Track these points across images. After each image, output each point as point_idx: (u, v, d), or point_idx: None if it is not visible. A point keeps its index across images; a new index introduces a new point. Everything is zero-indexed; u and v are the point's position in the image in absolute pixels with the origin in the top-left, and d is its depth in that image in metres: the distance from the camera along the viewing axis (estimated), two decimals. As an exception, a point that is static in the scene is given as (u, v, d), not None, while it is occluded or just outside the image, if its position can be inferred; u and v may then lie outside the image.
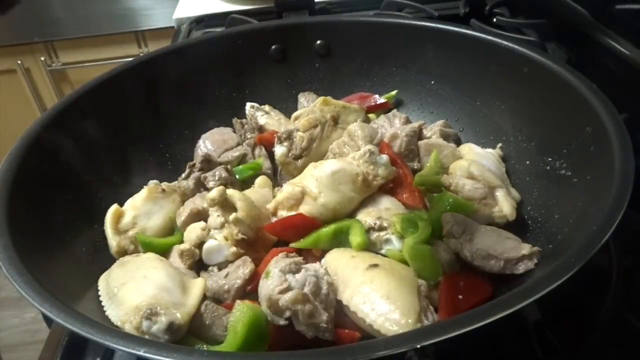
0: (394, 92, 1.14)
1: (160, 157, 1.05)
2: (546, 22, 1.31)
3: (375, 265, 0.72)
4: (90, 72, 2.34)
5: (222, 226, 0.81)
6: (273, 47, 1.17)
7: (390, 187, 0.88)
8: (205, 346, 0.68)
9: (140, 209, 0.88)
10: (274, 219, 0.84)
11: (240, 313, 0.66)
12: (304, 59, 1.18)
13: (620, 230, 0.58)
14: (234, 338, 0.65)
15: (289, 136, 0.96)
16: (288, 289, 0.66)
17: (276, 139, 0.97)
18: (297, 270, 0.70)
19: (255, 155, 1.04)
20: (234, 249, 0.79)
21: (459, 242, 0.77)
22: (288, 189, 0.84)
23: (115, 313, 0.69)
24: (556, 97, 0.85)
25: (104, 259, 0.83)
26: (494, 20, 1.41)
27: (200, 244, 0.82)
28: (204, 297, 0.74)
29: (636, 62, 1.05)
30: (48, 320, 0.78)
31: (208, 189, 0.91)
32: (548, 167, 0.85)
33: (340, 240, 0.79)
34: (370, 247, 0.79)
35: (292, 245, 0.80)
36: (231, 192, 0.82)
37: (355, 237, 0.77)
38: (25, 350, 2.39)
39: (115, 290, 0.72)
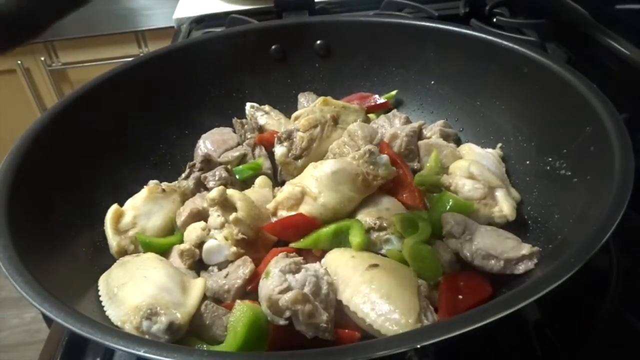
0: (394, 92, 1.14)
1: (160, 157, 1.05)
2: (546, 22, 1.31)
3: (375, 265, 0.72)
4: (90, 72, 2.34)
5: (222, 226, 0.82)
6: (273, 47, 1.17)
7: (390, 187, 0.88)
8: (205, 346, 0.68)
9: (140, 209, 0.88)
10: (274, 219, 0.84)
11: (240, 313, 0.66)
12: (304, 59, 1.18)
13: (620, 230, 0.58)
14: (234, 338, 0.65)
15: (289, 136, 0.96)
16: (288, 289, 0.66)
17: (276, 139, 0.97)
18: (297, 270, 0.70)
19: (255, 155, 1.04)
20: (234, 249, 0.79)
21: (459, 242, 0.77)
22: (288, 189, 0.84)
23: (115, 313, 0.68)
24: (556, 97, 0.85)
25: (104, 259, 0.83)
26: (494, 20, 1.41)
27: (200, 244, 0.82)
28: (204, 297, 0.74)
29: (636, 62, 1.05)
30: (48, 320, 0.78)
31: (208, 189, 0.91)
32: (548, 167, 0.85)
33: (340, 240, 0.79)
34: (370, 247, 0.79)
35: (292, 245, 0.80)
36: (231, 192, 0.82)
37: (355, 237, 0.77)
38: (25, 350, 2.39)
39: (115, 290, 0.72)
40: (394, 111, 1.08)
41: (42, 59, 2.53)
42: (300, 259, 0.74)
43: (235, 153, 1.03)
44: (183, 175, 0.97)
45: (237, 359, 0.59)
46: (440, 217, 0.80)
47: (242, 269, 0.76)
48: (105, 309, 0.70)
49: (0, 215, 0.69)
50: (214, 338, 0.70)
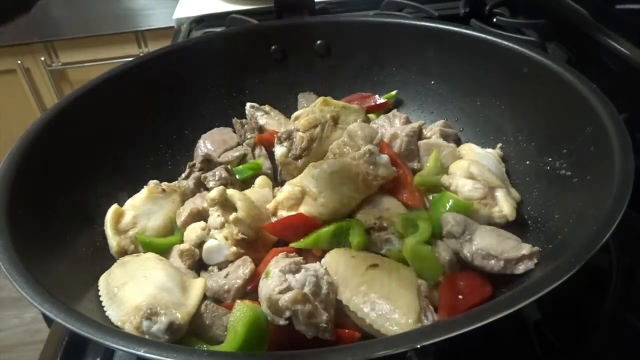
0: (393, 92, 1.14)
1: (160, 157, 1.05)
2: (546, 22, 1.31)
3: (375, 265, 0.72)
4: (90, 72, 2.34)
5: (222, 226, 0.82)
6: (273, 47, 1.17)
7: (390, 187, 0.88)
8: (205, 346, 0.68)
9: (140, 209, 0.88)
10: (274, 219, 0.84)
11: (240, 313, 0.66)
12: (304, 59, 1.18)
13: (620, 230, 0.58)
14: (234, 338, 0.65)
15: (289, 136, 0.96)
16: (288, 289, 0.66)
17: (276, 139, 0.97)
18: (297, 270, 0.70)
19: (255, 155, 1.04)
20: (234, 248, 0.79)
21: (459, 242, 0.77)
22: (288, 189, 0.84)
23: (116, 313, 0.69)
24: (556, 97, 0.85)
25: (104, 259, 0.83)
26: (494, 20, 1.41)
27: (200, 244, 0.82)
28: (204, 297, 0.74)
29: (636, 62, 1.05)
30: (48, 320, 0.78)
31: (208, 189, 0.91)
32: (548, 167, 0.85)
33: (340, 240, 0.79)
34: (370, 247, 0.79)
35: (292, 245, 0.80)
36: (231, 192, 0.82)
37: (355, 237, 0.77)
38: (25, 350, 2.39)
39: (115, 290, 0.72)
40: (394, 111, 1.08)
41: (42, 59, 2.53)
42: (300, 259, 0.74)
43: (235, 153, 1.03)
44: (183, 175, 0.97)
45: (237, 359, 0.59)
46: (440, 217, 0.80)
47: (242, 269, 0.76)
48: (105, 309, 0.70)
49: (0, 216, 0.69)
50: (214, 338, 0.70)
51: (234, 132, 1.11)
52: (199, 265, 0.83)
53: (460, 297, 0.70)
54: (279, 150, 0.96)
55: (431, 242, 0.77)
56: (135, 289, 0.71)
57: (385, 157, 0.86)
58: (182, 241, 0.84)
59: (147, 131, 1.04)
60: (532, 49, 0.92)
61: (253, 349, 0.65)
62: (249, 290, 0.75)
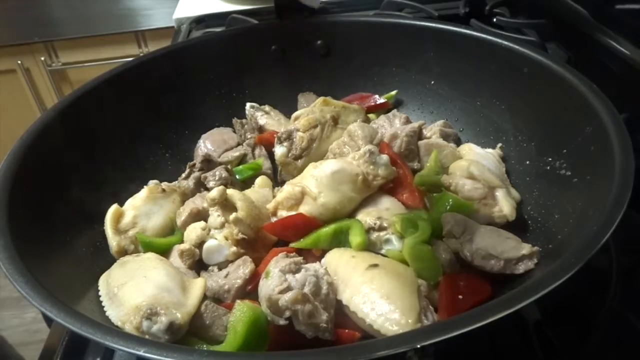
0: (394, 92, 1.14)
1: (160, 157, 1.05)
2: (546, 22, 1.31)
3: (375, 265, 0.72)
4: (90, 72, 2.34)
5: (222, 226, 0.82)
6: (273, 47, 1.17)
7: (390, 187, 0.88)
8: (205, 346, 0.68)
9: (140, 209, 0.88)
10: (274, 219, 0.84)
11: (240, 313, 0.66)
12: (304, 59, 1.18)
13: (620, 230, 0.58)
14: (234, 338, 0.65)
15: (289, 136, 0.96)
16: (288, 289, 0.66)
17: (276, 139, 0.97)
18: (297, 270, 0.70)
19: (255, 155, 1.04)
20: (234, 248, 0.79)
21: (459, 242, 0.77)
22: (288, 189, 0.84)
23: (116, 313, 0.69)
24: (556, 97, 0.85)
25: (104, 259, 0.83)
26: (494, 20, 1.41)
27: (200, 244, 0.82)
28: (204, 297, 0.74)
29: (636, 62, 1.05)
30: (48, 320, 0.78)
31: (208, 189, 0.91)
32: (548, 167, 0.85)
33: (340, 240, 0.79)
34: (370, 247, 0.79)
35: (292, 245, 0.80)
36: (231, 192, 0.82)
37: (355, 237, 0.77)
38: (25, 350, 2.38)
39: (115, 290, 0.72)
40: (394, 111, 1.08)
41: (42, 59, 2.53)
42: (300, 259, 0.74)
43: (235, 153, 1.03)
44: (183, 175, 0.97)
45: (237, 359, 0.59)
46: (440, 217, 0.80)
47: (242, 269, 0.76)
48: (105, 309, 0.70)
49: (0, 216, 0.69)
50: (214, 338, 0.70)
51: (234, 132, 1.11)
52: (199, 265, 0.83)
53: (460, 297, 0.70)
54: (279, 150, 0.96)
55: (431, 242, 0.77)
56: (135, 289, 0.71)
57: (385, 157, 0.86)
58: (182, 241, 0.84)
59: (147, 131, 1.04)
60: (532, 49, 0.92)
61: (253, 349, 0.65)
62: (249, 290, 0.75)
